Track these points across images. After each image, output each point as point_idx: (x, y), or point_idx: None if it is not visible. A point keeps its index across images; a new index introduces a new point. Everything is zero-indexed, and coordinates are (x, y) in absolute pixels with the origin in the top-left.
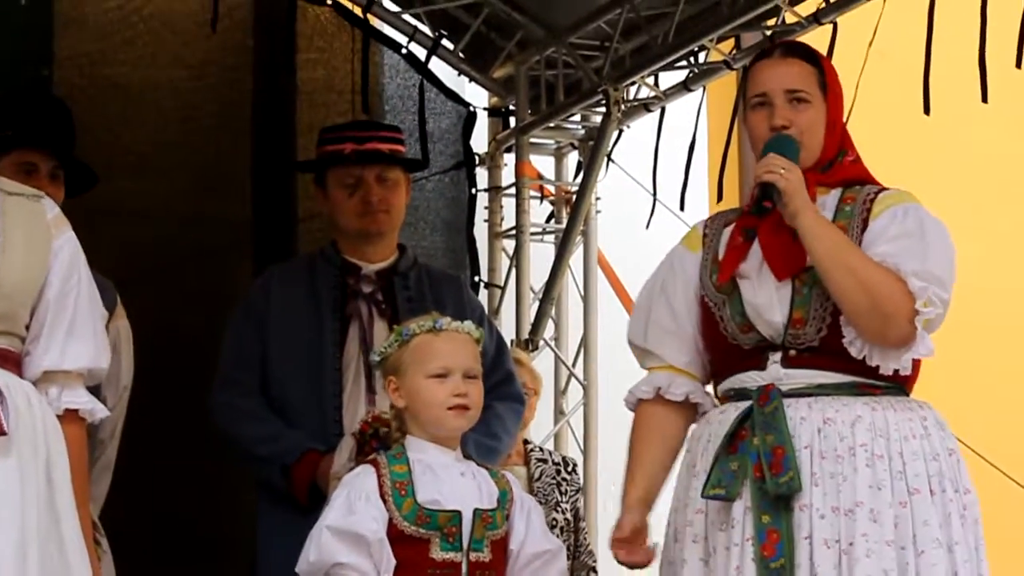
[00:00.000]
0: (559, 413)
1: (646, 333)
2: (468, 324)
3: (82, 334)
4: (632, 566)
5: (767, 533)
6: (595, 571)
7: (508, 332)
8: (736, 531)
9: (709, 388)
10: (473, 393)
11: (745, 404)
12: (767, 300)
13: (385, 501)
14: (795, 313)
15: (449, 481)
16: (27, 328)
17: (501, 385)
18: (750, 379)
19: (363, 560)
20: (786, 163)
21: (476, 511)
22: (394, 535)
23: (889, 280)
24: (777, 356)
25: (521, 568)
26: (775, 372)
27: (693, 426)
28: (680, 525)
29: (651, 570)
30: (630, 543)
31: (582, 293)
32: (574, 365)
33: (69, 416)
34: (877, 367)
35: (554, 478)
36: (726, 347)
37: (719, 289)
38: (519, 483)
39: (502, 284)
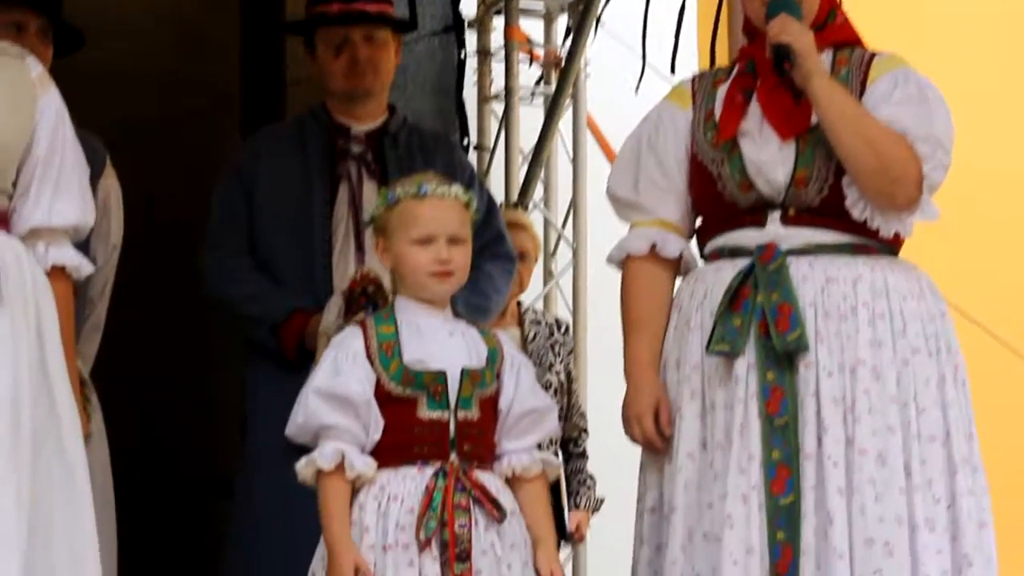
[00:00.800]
0: (548, 275)
1: (637, 186)
2: (455, 188)
3: (68, 191)
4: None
5: (771, 390)
6: (586, 432)
7: (497, 195)
8: (740, 388)
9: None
10: (457, 258)
11: (742, 262)
12: (770, 158)
13: (372, 362)
14: (799, 172)
15: (436, 341)
16: (14, 185)
17: (491, 245)
18: (747, 237)
19: (350, 421)
20: (799, 25)
21: (464, 370)
22: (382, 396)
23: (898, 143)
24: (776, 215)
25: (511, 426)
26: (774, 230)
27: (678, 281)
28: (672, 381)
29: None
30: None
31: (571, 156)
32: (563, 227)
33: (56, 272)
34: (877, 229)
35: (547, 340)
36: (721, 205)
37: (717, 147)
38: (512, 343)
39: (491, 147)
